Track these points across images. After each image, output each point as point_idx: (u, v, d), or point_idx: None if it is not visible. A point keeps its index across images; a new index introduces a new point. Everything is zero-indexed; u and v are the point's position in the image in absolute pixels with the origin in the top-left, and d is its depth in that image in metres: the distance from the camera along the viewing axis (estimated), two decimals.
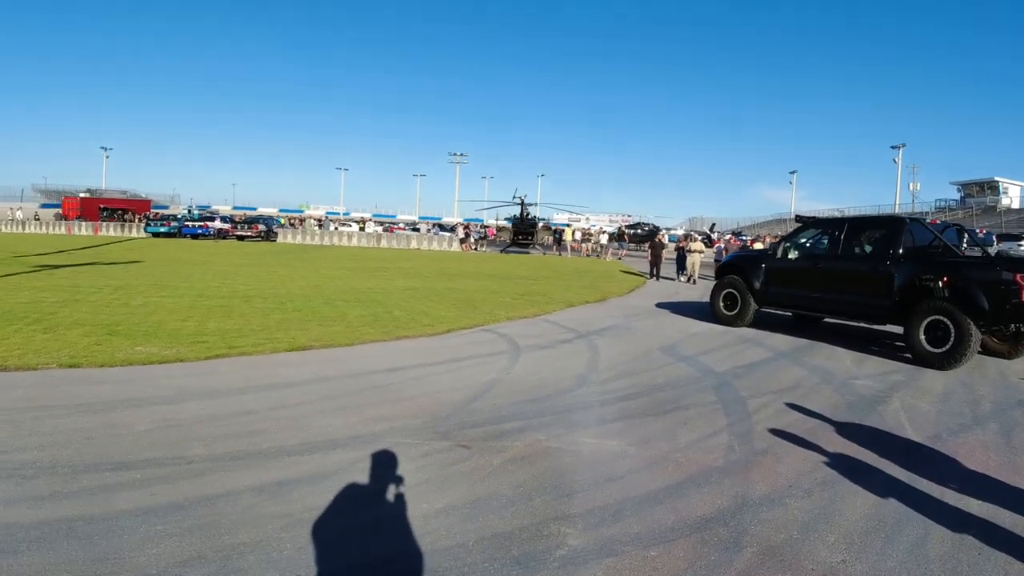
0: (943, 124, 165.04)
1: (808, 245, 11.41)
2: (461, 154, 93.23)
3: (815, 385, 7.72)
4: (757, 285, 11.71)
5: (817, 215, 11.59)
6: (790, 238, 11.69)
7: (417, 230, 49.05)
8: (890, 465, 5.06)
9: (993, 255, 9.36)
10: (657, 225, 50.16)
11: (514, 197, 41.82)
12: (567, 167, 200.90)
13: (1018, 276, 8.04)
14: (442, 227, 52.82)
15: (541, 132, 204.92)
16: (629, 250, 40.70)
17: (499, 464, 4.87)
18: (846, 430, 5.97)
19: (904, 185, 67.62)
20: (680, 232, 42.90)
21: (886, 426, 6.15)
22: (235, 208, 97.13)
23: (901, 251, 9.55)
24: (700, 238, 26.27)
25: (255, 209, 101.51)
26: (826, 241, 10.92)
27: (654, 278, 22.77)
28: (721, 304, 12.45)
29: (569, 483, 4.54)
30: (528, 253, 40.19)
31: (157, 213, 56.72)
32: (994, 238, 18.18)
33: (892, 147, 67.97)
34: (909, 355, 9.22)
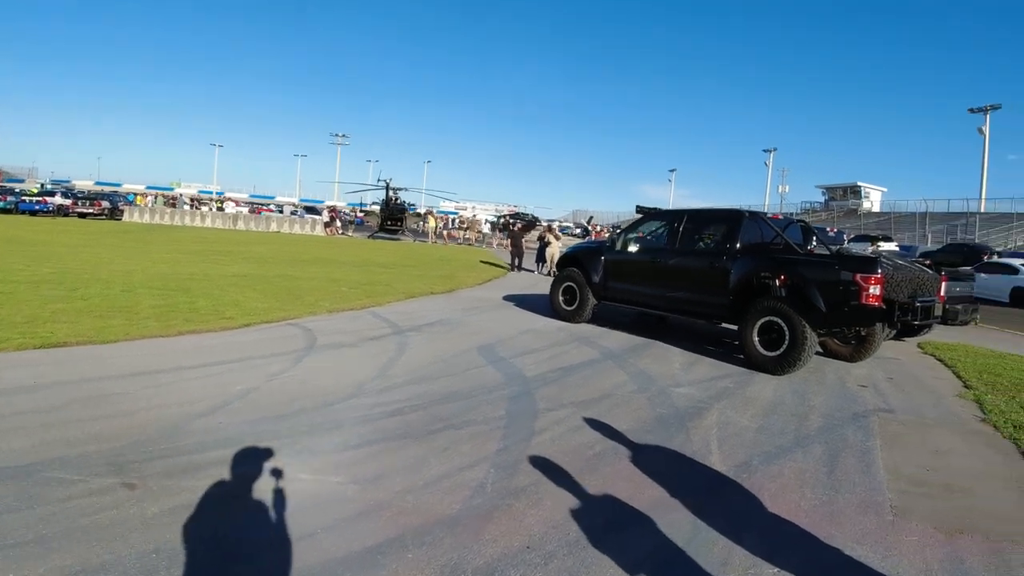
0: (812, 130, 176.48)
1: (648, 238, 10.54)
2: (343, 135, 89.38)
3: (630, 394, 6.69)
4: (596, 279, 10.75)
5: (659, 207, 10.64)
6: (630, 230, 10.78)
7: (282, 212, 45.93)
8: (674, 509, 3.98)
9: (834, 253, 8.72)
10: (537, 216, 49.55)
11: (378, 180, 39.88)
12: (457, 156, 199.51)
13: (858, 276, 7.34)
14: (309, 210, 49.81)
15: (429, 118, 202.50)
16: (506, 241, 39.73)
17: (154, 515, 3.49)
18: (641, 456, 4.91)
19: (774, 187, 70.88)
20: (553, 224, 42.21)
21: (691, 450, 5.13)
22: (97, 183, 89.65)
23: (739, 246, 8.77)
24: (559, 229, 25.43)
25: (120, 185, 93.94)
26: (665, 234, 10.06)
27: (515, 269, 21.71)
28: (560, 299, 11.45)
29: (231, 544, 3.19)
30: (398, 239, 38.40)
31: None
32: (844, 237, 18.13)
33: (764, 150, 71.10)
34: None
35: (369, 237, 38.04)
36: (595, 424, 5.62)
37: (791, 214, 50.15)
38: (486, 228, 38.96)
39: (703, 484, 4.50)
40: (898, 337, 11.23)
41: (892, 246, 27.96)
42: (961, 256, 25.61)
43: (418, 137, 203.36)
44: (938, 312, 8.14)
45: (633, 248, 10.37)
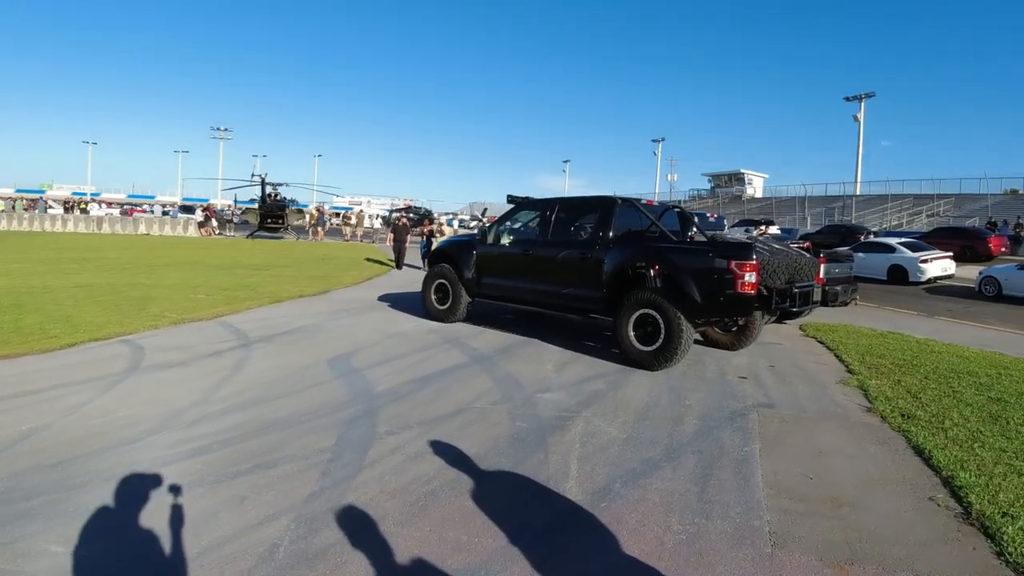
0: (699, 121, 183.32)
1: (520, 229, 9.73)
2: (225, 129, 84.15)
3: (490, 405, 5.84)
4: (468, 275, 9.85)
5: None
6: (501, 221, 9.93)
7: (154, 212, 42.34)
8: (512, 564, 3.15)
9: (709, 240, 8.15)
10: (431, 210, 48.22)
11: (253, 176, 37.41)
12: (351, 150, 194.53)
13: (733, 263, 6.74)
14: (185, 209, 46.36)
15: (319, 112, 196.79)
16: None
17: None
18: (485, 489, 4.04)
19: (663, 175, 72.61)
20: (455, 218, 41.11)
21: (546, 474, 4.31)
22: None
23: (612, 235, 8.06)
24: (445, 222, 24.38)
25: None
26: (537, 225, 9.26)
27: (398, 266, 20.55)
28: (432, 297, 10.49)
29: None
30: (282, 238, 36.18)
31: None
32: (725, 222, 18.01)
33: (653, 140, 72.70)
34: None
35: (248, 237, 35.59)
36: (440, 449, 4.73)
37: (680, 201, 51.31)
38: (377, 224, 36.98)
39: (553, 522, 3.66)
40: (779, 320, 10.92)
41: (775, 230, 28.60)
42: (839, 237, 26.53)
43: (308, 131, 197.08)
44: (817, 296, 7.73)
45: (505, 240, 9.54)
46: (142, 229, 35.82)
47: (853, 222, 37.10)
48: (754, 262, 6.68)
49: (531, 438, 5.02)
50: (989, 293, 16.87)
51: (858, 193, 48.03)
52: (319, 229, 37.27)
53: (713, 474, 4.37)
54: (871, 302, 15.29)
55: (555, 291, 8.67)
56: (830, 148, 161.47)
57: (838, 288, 11.43)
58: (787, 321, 11.32)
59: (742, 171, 61.76)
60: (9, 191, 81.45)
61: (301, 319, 10.33)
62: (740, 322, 8.20)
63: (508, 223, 9.83)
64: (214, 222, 38.79)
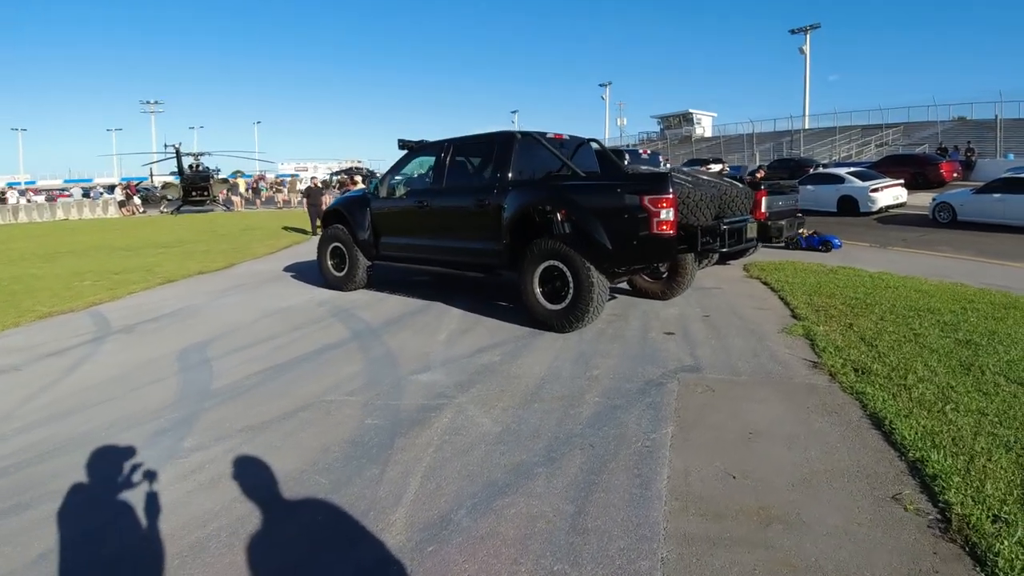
0: (646, 63, 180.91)
1: (416, 178, 8.34)
2: (155, 102, 79.42)
3: (346, 397, 4.62)
4: (363, 236, 8.49)
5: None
6: (394, 171, 8.51)
7: (73, 196, 39.48)
8: None
9: (617, 174, 6.88)
10: (372, 170, 45.89)
11: (166, 147, 34.85)
12: (292, 115, 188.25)
13: (646, 199, 5.50)
14: (111, 190, 43.44)
15: (255, 80, 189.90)
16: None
17: None
18: (276, 529, 2.90)
19: (613, 120, 70.99)
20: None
21: (371, 499, 3.14)
22: None
23: (511, 176, 6.73)
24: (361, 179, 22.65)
25: None
26: (432, 171, 7.89)
27: (315, 232, 18.94)
28: (329, 263, 9.13)
29: None
30: (212, 211, 33.88)
31: None
32: (660, 159, 16.66)
33: (600, 85, 70.77)
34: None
35: (172, 213, 33.29)
36: (247, 469, 3.50)
37: (630, 146, 49.94)
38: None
39: None
40: (722, 261, 9.81)
41: (714, 168, 27.61)
42: (788, 171, 25.58)
43: (245, 98, 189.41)
44: (751, 232, 6.57)
45: (400, 193, 8.15)
46: (60, 214, 33.22)
47: (802, 155, 36.25)
48: (671, 196, 5.44)
49: (376, 442, 3.77)
50: (944, 220, 16.05)
51: (806, 127, 47.10)
52: (279, 197, 35.08)
53: (602, 481, 3.17)
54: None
55: (454, 246, 7.39)
56: (778, 84, 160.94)
57: (782, 223, 10.37)
58: (730, 262, 10.24)
59: (691, 111, 60.31)
60: None
61: (182, 301, 8.94)
62: (663, 269, 7.01)
63: (403, 172, 8.44)
64: (136, 200, 36.26)
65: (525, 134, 6.94)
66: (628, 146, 43.30)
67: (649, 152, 16.84)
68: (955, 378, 4.40)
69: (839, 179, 19.29)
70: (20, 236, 23.48)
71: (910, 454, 3.31)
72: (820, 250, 11.57)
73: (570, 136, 7.65)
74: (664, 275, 7.58)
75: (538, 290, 6.25)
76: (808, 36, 48.04)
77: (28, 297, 9.71)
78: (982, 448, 3.33)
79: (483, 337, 6.16)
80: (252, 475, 3.45)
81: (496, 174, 6.85)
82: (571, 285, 5.94)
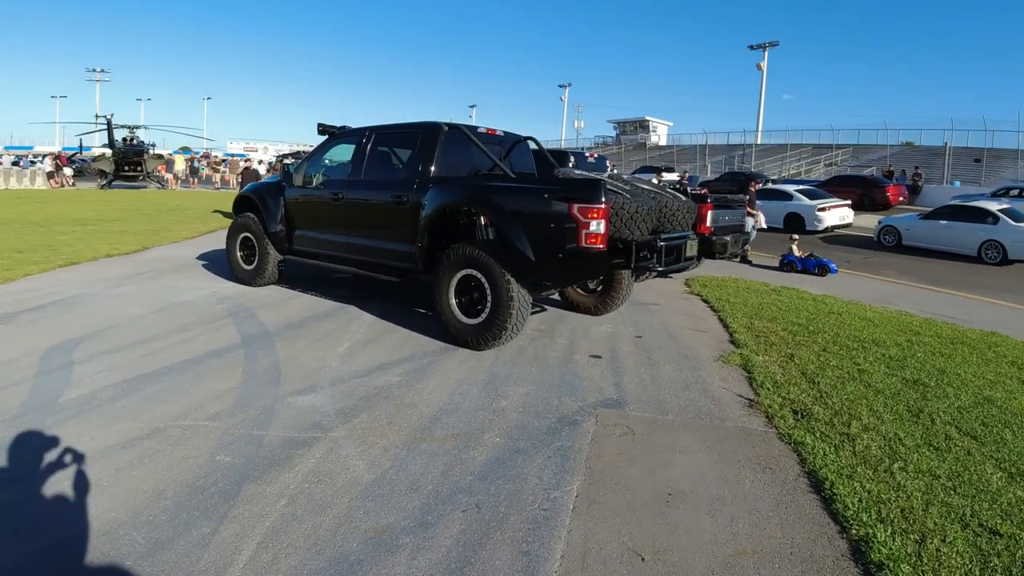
0: (606, 67, 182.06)
1: (336, 167, 7.58)
2: (101, 70, 75.75)
3: (206, 421, 3.91)
4: (275, 227, 7.68)
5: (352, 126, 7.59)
6: (314, 157, 7.71)
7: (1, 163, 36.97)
8: None
9: (546, 176, 6.27)
10: None
11: (97, 118, 32.98)
12: (243, 93, 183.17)
13: (575, 208, 4.84)
14: (37, 159, 40.97)
15: (206, 52, 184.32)
16: None
17: None
18: None
19: (570, 122, 70.76)
20: None
21: None
22: None
23: (433, 171, 6.04)
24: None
25: None
26: (350, 161, 7.13)
27: None
28: (239, 255, 8.29)
29: None
30: (145, 187, 32.08)
31: None
32: (607, 163, 16.09)
33: (560, 86, 70.42)
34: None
35: (102, 187, 31.40)
36: (57, 514, 2.90)
37: (585, 149, 49.66)
38: (261, 170, 32.89)
39: None
40: (662, 275, 9.29)
41: (674, 176, 27.39)
42: (737, 184, 25.49)
43: (196, 72, 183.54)
44: (691, 251, 6.00)
45: (317, 182, 7.36)
46: None
47: (752, 170, 36.41)
48: (603, 206, 4.83)
49: (219, 488, 3.05)
50: (888, 243, 15.99)
51: (759, 142, 47.59)
52: (218, 177, 33.42)
53: (479, 560, 2.52)
54: (766, 252, 14.01)
55: (368, 245, 6.67)
56: (733, 98, 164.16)
57: (727, 238, 9.91)
58: (672, 275, 9.74)
59: (647, 119, 60.46)
60: None
61: (73, 288, 7.99)
62: (594, 283, 6.42)
63: (322, 160, 7.65)
64: (67, 172, 34.13)
65: (452, 126, 6.25)
66: (583, 149, 42.97)
67: (596, 156, 16.27)
68: (903, 427, 3.92)
69: (787, 196, 19.16)
70: None
71: (853, 530, 2.76)
72: (815, 274, 11.14)
73: (505, 132, 6.99)
74: (598, 289, 7.00)
75: (453, 301, 5.59)
76: (766, 53, 48.58)
77: None
78: (935, 524, 2.80)
79: (389, 351, 5.46)
80: (57, 525, 2.72)
81: (417, 168, 6.16)
82: (489, 298, 5.28)
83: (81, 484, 3.10)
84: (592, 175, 5.89)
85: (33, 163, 37.29)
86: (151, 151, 32.45)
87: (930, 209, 16.35)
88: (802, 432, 3.78)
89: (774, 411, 4.14)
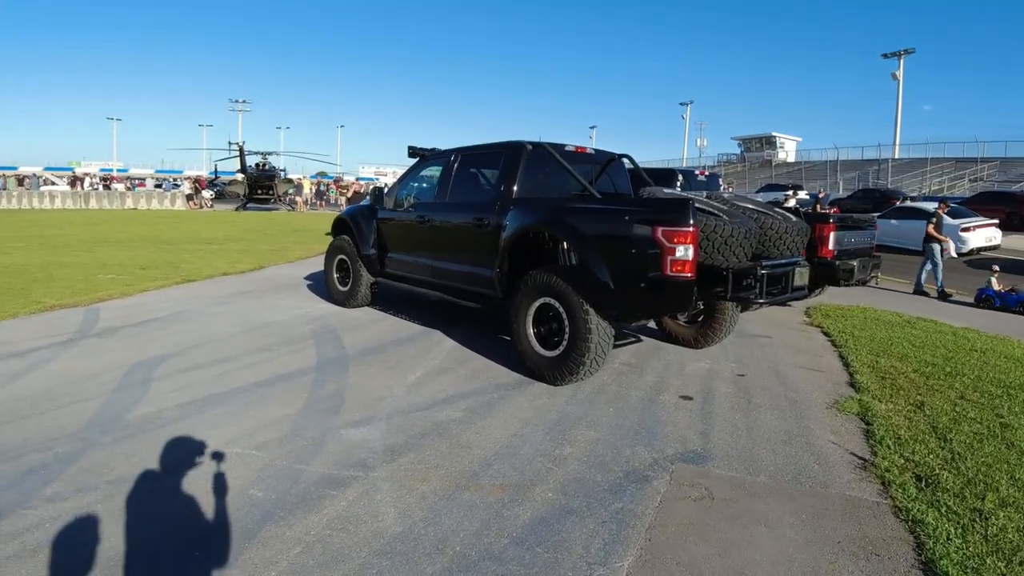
0: (730, 82, 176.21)
1: (425, 189, 7.44)
2: (243, 101, 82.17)
3: (253, 449, 3.83)
4: (367, 250, 7.65)
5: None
6: (405, 179, 7.62)
7: (159, 186, 40.61)
8: None
9: (626, 196, 5.78)
10: None
11: (231, 145, 35.31)
12: (374, 121, 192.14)
13: (659, 232, 4.31)
14: (178, 182, 44.58)
15: (341, 83, 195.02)
16: None
17: None
18: None
19: (692, 140, 68.85)
20: None
21: None
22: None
23: (515, 192, 5.70)
24: None
25: (15, 168, 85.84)
26: (437, 183, 6.95)
27: None
28: (335, 276, 8.37)
29: None
30: (277, 209, 34.05)
31: None
32: (720, 181, 14.93)
33: (681, 103, 68.70)
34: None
35: (237, 209, 33.60)
36: (61, 548, 2.75)
37: (709, 167, 47.95)
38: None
39: None
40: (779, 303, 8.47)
41: (803, 195, 25.76)
42: (872, 202, 23.57)
43: (329, 102, 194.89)
44: (801, 280, 5.26)
45: (407, 204, 7.27)
46: (129, 204, 34.05)
47: (889, 187, 33.61)
48: (690, 229, 4.28)
49: (240, 526, 2.86)
50: None
51: (895, 156, 44.08)
52: (309, 201, 35.33)
53: None
54: (901, 277, 12.66)
55: (450, 269, 6.45)
56: (866, 110, 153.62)
57: (853, 263, 8.90)
58: (791, 304, 8.86)
59: (773, 134, 57.62)
60: (38, 168, 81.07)
61: (180, 304, 8.36)
62: (689, 313, 5.81)
63: (412, 182, 7.54)
64: (206, 194, 36.91)
65: (537, 145, 5.88)
66: (705, 168, 41.45)
67: (708, 173, 15.36)
68: None
69: (928, 215, 17.37)
70: (80, 222, 23.93)
71: None
72: (1016, 312, 9.40)
73: (597, 150, 6.56)
74: (699, 319, 6.39)
75: (531, 331, 5.20)
76: (901, 61, 45.17)
77: (43, 287, 9.38)
78: None
79: (460, 382, 5.15)
80: (56, 560, 2.56)
81: (500, 189, 5.85)
82: (567, 329, 4.85)
83: (108, 509, 3.01)
84: (680, 194, 5.33)
85: (176, 186, 40.59)
86: (281, 176, 34.45)
87: None
88: (924, 506, 3.08)
89: (892, 476, 3.44)
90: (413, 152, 7.41)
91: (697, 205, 4.57)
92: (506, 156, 5.91)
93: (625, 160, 7.00)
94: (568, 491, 3.24)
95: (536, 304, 5.13)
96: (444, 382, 5.13)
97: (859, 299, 9.68)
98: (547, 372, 5.03)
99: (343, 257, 8.16)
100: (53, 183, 42.51)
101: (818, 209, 18.03)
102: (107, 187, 42.67)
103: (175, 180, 50.07)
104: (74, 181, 44.18)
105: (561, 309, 4.89)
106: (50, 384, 4.88)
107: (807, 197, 25.88)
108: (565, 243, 5.30)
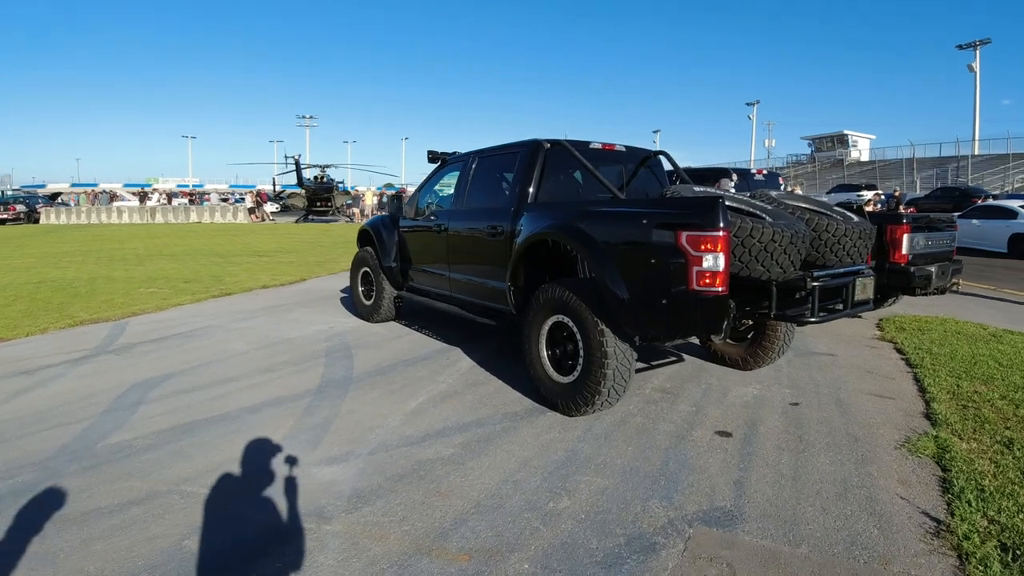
0: (798, 79, 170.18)
1: (443, 196, 6.94)
2: (310, 116, 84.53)
3: (207, 488, 3.37)
4: (388, 262, 7.21)
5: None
6: (425, 186, 7.11)
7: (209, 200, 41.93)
8: None
9: (648, 196, 5.10)
10: None
11: (287, 158, 35.81)
12: (441, 127, 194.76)
13: (683, 237, 3.62)
14: (243, 196, 45.82)
15: (408, 95, 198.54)
16: None
17: None
18: None
19: (760, 141, 66.49)
20: None
21: None
22: (74, 185, 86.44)
23: (533, 195, 5.10)
24: None
25: (95, 185, 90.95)
26: (455, 188, 6.42)
27: None
28: (360, 290, 7.98)
29: None
30: (336, 221, 34.41)
31: None
32: (780, 180, 13.73)
33: (747, 104, 66.50)
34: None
35: (297, 221, 34.12)
36: None
37: (778, 168, 46.06)
38: None
39: None
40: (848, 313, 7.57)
41: (868, 195, 24.23)
42: (952, 202, 21.89)
43: (396, 113, 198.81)
44: (864, 293, 4.46)
45: (427, 212, 6.79)
46: (193, 217, 35.17)
47: (969, 184, 31.29)
48: (720, 234, 3.55)
49: None
50: None
51: (976, 152, 41.24)
52: (356, 211, 35.61)
53: None
54: (985, 282, 11.42)
55: (466, 281, 5.91)
56: (941, 105, 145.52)
57: (931, 269, 7.90)
58: (861, 315, 7.95)
59: (845, 132, 54.64)
60: (117, 185, 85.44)
61: (206, 319, 8.19)
62: (717, 336, 5.02)
63: (432, 189, 7.04)
64: (267, 208, 37.72)
65: (556, 143, 5.26)
66: (777, 168, 39.74)
67: (765, 172, 14.28)
68: None
69: (1011, 213, 15.88)
70: (141, 236, 24.56)
71: None
72: None
73: (628, 148, 5.88)
74: (748, 336, 5.63)
75: (544, 353, 4.57)
76: (978, 52, 42.44)
77: (82, 301, 9.37)
78: None
79: (464, 409, 4.58)
80: None
81: (516, 192, 5.25)
82: (581, 352, 4.20)
83: (35, 557, 2.67)
84: (709, 191, 4.59)
85: (241, 200, 41.70)
86: (339, 188, 34.92)
87: None
88: None
89: (972, 547, 2.67)
90: (433, 156, 6.92)
91: (730, 204, 3.86)
92: (522, 157, 5.32)
93: (662, 157, 6.31)
94: (551, 563, 2.60)
95: (549, 322, 4.51)
96: (446, 410, 4.57)
97: (939, 308, 8.63)
98: (560, 401, 4.40)
99: (367, 270, 7.78)
100: (124, 199, 44.35)
101: (899, 209, 16.72)
102: (168, 201, 44.22)
103: (240, 195, 51.54)
104: (143, 197, 46.00)
105: (575, 328, 4.25)
106: (45, 404, 4.71)
107: (883, 197, 24.36)
108: (581, 253, 4.66)
